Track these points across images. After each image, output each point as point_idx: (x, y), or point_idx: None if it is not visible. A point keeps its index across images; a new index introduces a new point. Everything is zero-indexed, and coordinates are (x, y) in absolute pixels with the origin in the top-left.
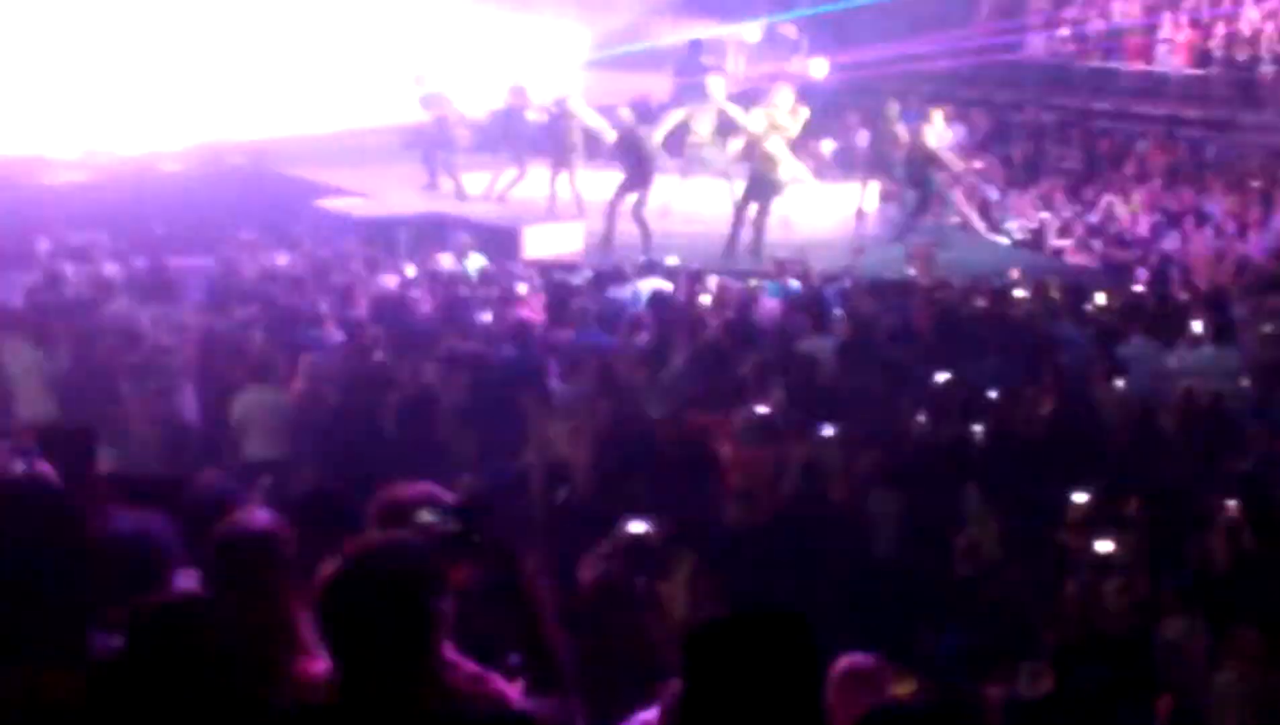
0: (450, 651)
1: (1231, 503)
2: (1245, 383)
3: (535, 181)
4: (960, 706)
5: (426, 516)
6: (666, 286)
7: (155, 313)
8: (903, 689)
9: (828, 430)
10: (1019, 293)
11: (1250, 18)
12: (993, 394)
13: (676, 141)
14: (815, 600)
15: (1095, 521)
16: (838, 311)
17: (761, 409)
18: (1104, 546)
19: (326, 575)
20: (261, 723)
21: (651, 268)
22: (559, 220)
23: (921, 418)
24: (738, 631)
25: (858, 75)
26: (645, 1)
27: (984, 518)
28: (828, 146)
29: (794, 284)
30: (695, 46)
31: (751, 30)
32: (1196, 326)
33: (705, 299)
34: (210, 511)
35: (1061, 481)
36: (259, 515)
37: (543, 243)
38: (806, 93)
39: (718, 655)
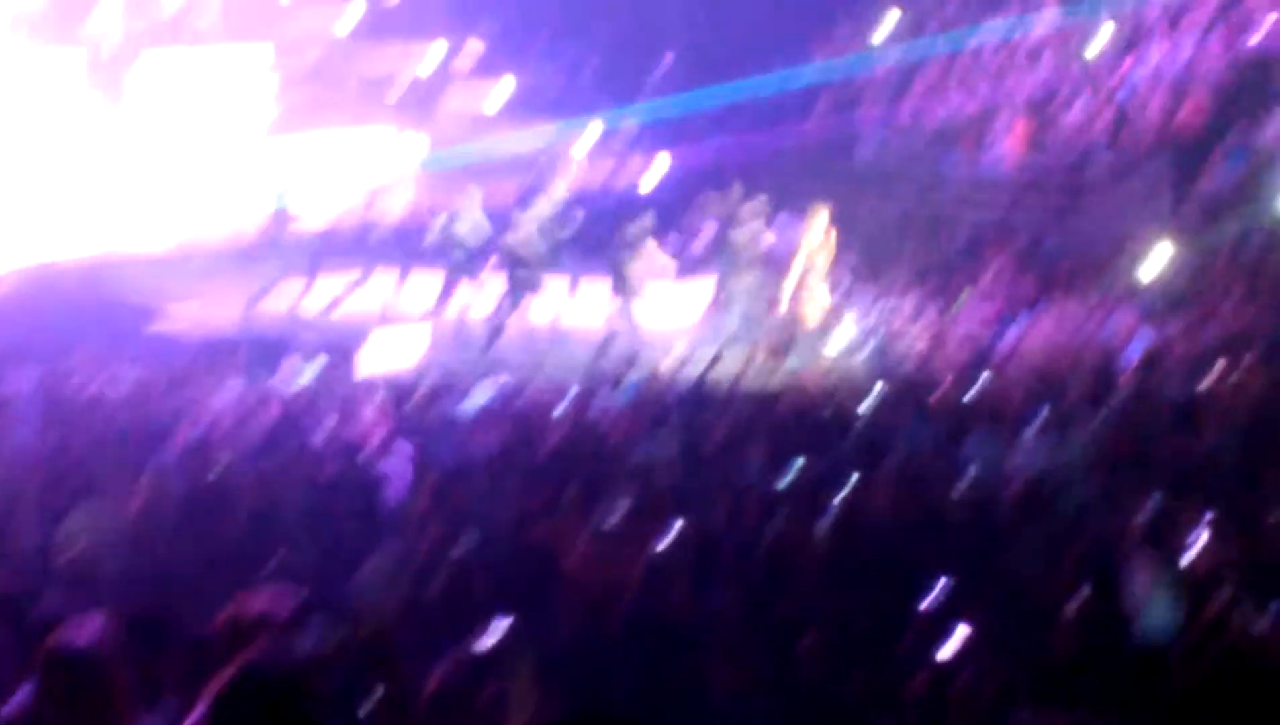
0: None
1: (1085, 592)
2: (1085, 473)
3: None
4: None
5: (318, 631)
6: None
7: None
8: None
9: (670, 535)
10: (861, 389)
11: (1082, 111)
12: (839, 490)
13: None
14: (660, 707)
15: (947, 614)
16: (680, 413)
17: (607, 516)
18: (957, 639)
19: (219, 686)
20: None
21: (487, 375)
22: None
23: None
24: None
25: (697, 174)
26: (480, 105)
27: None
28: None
29: (632, 388)
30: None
31: (590, 130)
32: (1037, 419)
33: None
34: (48, 631)
35: (905, 577)
36: (89, 628)
37: (384, 353)
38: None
39: None
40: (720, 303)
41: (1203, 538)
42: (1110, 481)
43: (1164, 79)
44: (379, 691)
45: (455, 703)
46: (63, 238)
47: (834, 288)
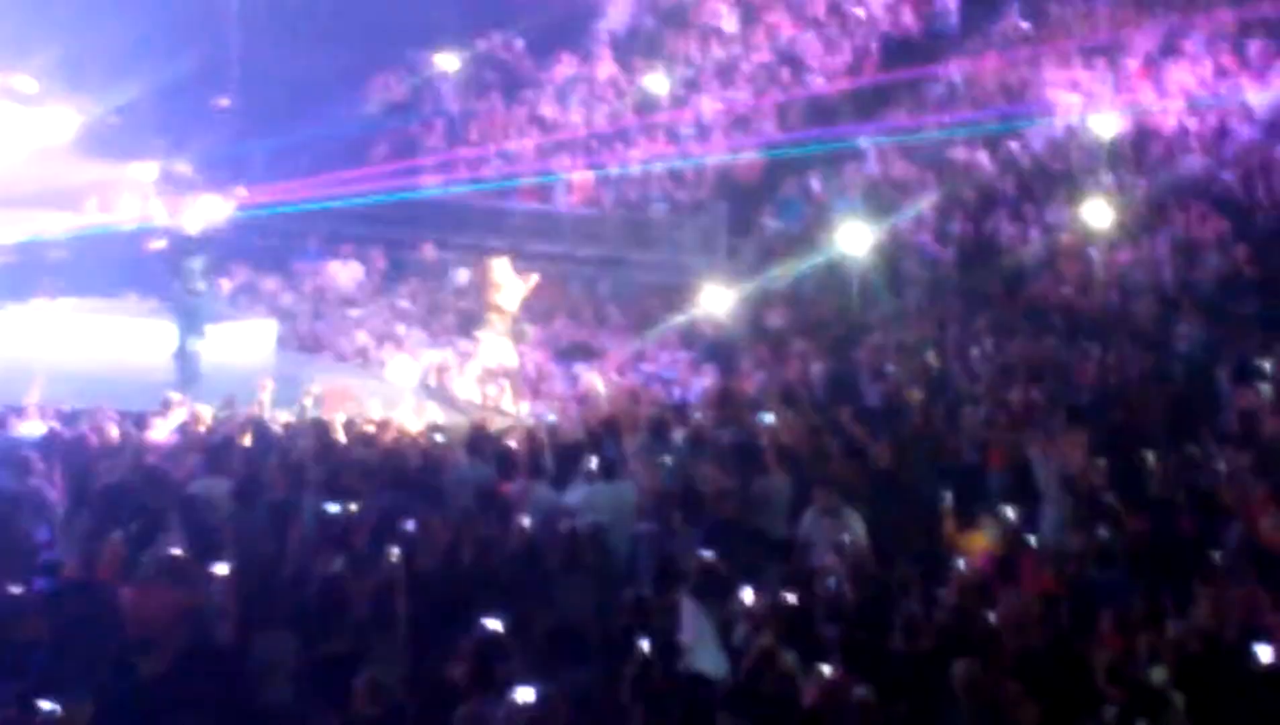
0: None
1: (644, 643)
2: (638, 517)
3: None
4: None
5: None
6: (55, 427)
7: None
8: None
9: (220, 571)
10: (421, 430)
11: (638, 158)
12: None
13: None
14: None
15: (502, 658)
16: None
17: (165, 551)
18: (525, 695)
19: None
20: None
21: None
22: None
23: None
24: None
25: (256, 214)
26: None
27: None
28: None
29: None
30: None
31: (147, 170)
32: (591, 463)
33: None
34: None
35: (458, 618)
36: None
37: None
38: (204, 232)
39: None
40: (277, 337)
41: (750, 585)
42: (665, 525)
43: (721, 126)
44: None
45: None
46: None
47: (393, 330)
